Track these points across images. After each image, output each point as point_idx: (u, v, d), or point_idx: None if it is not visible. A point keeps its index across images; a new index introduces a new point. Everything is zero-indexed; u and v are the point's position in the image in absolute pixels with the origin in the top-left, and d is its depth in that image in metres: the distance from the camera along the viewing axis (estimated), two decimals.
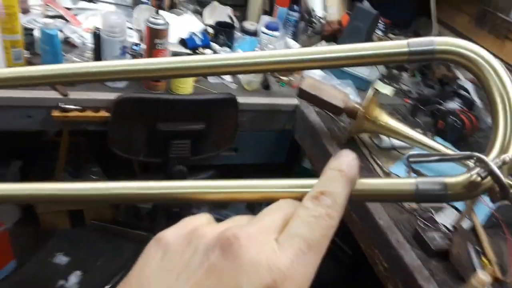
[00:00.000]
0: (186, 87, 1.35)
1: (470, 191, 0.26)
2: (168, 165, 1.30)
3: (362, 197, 0.27)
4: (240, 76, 1.50)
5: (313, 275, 0.23)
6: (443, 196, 0.26)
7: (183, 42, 1.56)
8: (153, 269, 0.24)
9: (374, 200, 0.27)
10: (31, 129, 1.30)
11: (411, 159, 0.28)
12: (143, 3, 1.75)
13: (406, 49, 0.28)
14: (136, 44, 1.51)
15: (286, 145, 1.60)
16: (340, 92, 1.27)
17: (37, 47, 1.41)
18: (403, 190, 0.27)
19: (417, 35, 2.03)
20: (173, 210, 2.02)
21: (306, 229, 0.23)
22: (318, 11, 1.89)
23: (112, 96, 1.26)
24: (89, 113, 1.27)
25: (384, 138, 1.28)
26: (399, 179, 0.27)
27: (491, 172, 0.25)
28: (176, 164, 1.30)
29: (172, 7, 1.84)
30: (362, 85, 1.63)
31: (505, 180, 0.25)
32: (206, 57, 0.31)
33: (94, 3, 1.77)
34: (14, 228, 1.85)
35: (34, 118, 1.28)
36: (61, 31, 1.53)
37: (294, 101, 1.46)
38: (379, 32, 1.91)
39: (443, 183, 0.26)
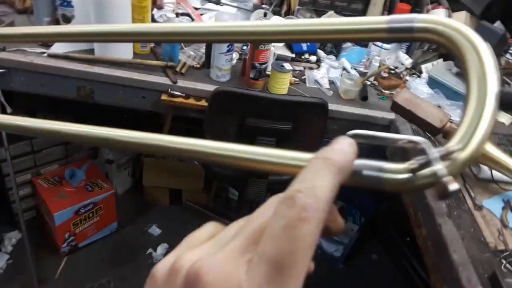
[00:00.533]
0: (281, 88, 1.39)
1: (410, 182, 0.23)
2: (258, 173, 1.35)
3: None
4: (338, 84, 1.48)
5: None
6: (379, 181, 0.24)
7: (289, 46, 1.61)
8: None
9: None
10: (144, 108, 1.47)
11: (353, 138, 0.26)
12: (263, 8, 1.84)
13: (385, 26, 0.26)
14: (246, 45, 1.61)
15: (375, 160, 1.53)
16: (439, 111, 1.18)
17: None
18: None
19: None
20: (257, 206, 2.09)
21: (273, 247, 0.20)
22: None
23: (214, 88, 1.36)
24: (191, 101, 1.40)
25: (484, 168, 1.15)
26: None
27: (429, 161, 0.23)
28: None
29: (288, 14, 1.91)
30: None
31: (442, 171, 0.22)
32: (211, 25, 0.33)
33: (220, 5, 1.92)
34: (123, 195, 2.11)
35: (147, 99, 1.45)
36: None
37: (391, 115, 1.40)
38: (509, 56, 1.71)
39: (381, 168, 0.24)
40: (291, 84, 1.46)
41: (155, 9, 1.71)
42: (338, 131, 1.41)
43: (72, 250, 1.92)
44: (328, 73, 1.54)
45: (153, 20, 1.59)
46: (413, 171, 0.23)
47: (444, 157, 0.23)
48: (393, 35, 0.26)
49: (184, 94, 1.40)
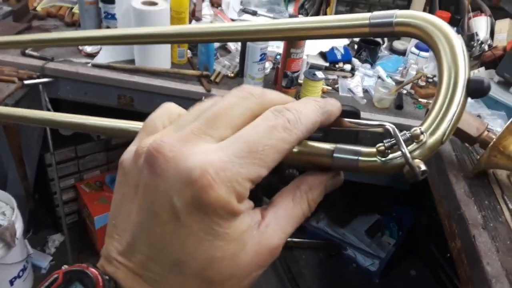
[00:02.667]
0: (313, 96, 1.39)
1: (382, 164, 0.25)
2: (281, 167, 1.36)
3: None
4: (373, 92, 1.47)
5: (248, 183, 0.21)
6: (355, 164, 0.25)
7: (323, 55, 1.61)
8: (117, 192, 0.25)
9: (292, 160, 0.27)
10: None
11: (332, 126, 0.28)
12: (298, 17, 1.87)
13: (367, 21, 0.28)
14: (280, 54, 1.63)
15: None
16: (476, 120, 1.14)
17: (198, 49, 1.64)
18: (321, 154, 0.26)
19: None
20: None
21: (253, 134, 0.22)
22: (482, 35, 1.71)
23: None
24: None
25: None
26: (319, 143, 0.27)
27: (395, 144, 0.24)
28: (290, 167, 1.35)
29: None
30: None
31: (408, 152, 0.23)
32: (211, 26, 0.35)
33: (256, 16, 1.96)
34: None
35: (182, 107, 1.49)
36: None
37: None
38: None
39: (357, 151, 0.26)
40: (323, 92, 1.46)
41: (193, 21, 1.77)
42: (370, 140, 1.39)
43: None
44: (362, 82, 1.53)
45: None
46: (382, 153, 0.25)
47: (409, 140, 0.24)
48: (374, 30, 0.28)
49: None
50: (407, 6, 1.80)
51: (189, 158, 0.21)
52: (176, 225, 0.21)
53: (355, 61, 1.63)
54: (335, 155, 0.26)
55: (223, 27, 0.34)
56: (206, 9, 1.87)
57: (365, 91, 1.51)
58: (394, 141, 0.24)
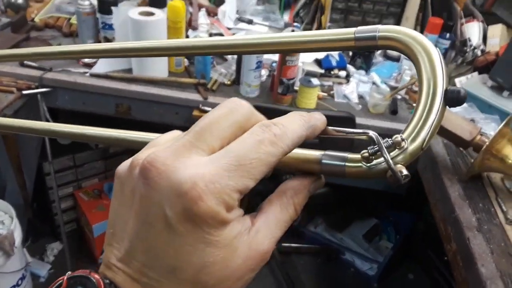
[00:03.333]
0: (309, 102, 1.41)
1: (367, 169, 0.26)
2: (277, 174, 1.37)
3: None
4: (368, 98, 1.49)
5: (236, 194, 0.23)
6: (342, 170, 0.27)
7: (318, 62, 1.63)
8: (114, 202, 0.27)
9: (282, 167, 0.29)
10: (177, 124, 1.54)
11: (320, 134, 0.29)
12: (293, 26, 1.89)
13: (352, 35, 0.29)
14: (275, 62, 1.65)
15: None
16: (469, 124, 1.16)
17: (195, 58, 1.66)
18: (310, 161, 0.28)
19: None
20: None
21: (241, 148, 0.23)
22: (475, 41, 1.74)
23: None
24: None
25: None
26: (307, 150, 0.28)
27: (378, 150, 0.25)
28: (288, 173, 1.37)
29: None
30: None
31: (389, 158, 0.25)
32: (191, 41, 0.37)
33: (252, 24, 1.99)
34: None
35: (180, 115, 1.51)
36: None
37: None
38: None
39: (344, 157, 0.27)
40: (319, 98, 1.48)
41: (190, 30, 1.79)
42: (366, 144, 1.40)
43: None
44: (357, 88, 1.55)
45: None
46: (366, 159, 0.27)
47: (391, 146, 0.26)
48: (359, 43, 0.30)
49: None
50: (400, 14, 1.83)
51: (180, 171, 0.22)
52: (170, 234, 0.23)
53: (350, 67, 1.65)
54: (323, 161, 0.27)
55: (215, 41, 0.36)
56: (203, 18, 1.89)
57: (360, 97, 1.53)
58: (378, 147, 0.26)
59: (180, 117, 1.51)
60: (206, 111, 1.44)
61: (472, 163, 1.11)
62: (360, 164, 0.27)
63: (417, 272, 2.04)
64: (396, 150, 0.26)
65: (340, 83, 1.58)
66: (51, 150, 1.62)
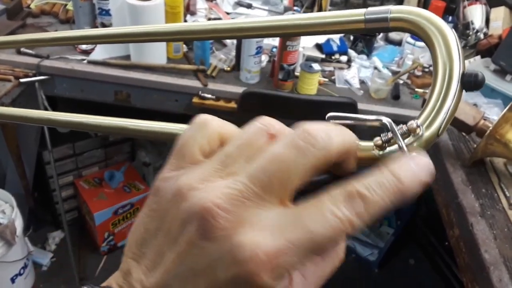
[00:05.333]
0: (310, 88, 1.40)
1: (380, 157, 0.25)
2: None
3: None
4: (369, 83, 1.47)
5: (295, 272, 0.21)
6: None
7: (319, 47, 1.61)
8: (149, 220, 0.24)
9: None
10: (177, 111, 1.52)
11: (330, 120, 0.28)
12: (293, 10, 1.86)
13: (362, 17, 0.28)
14: (276, 47, 1.63)
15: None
16: (472, 108, 1.15)
17: (194, 43, 1.64)
18: None
19: None
20: None
21: (318, 224, 0.20)
22: (477, 24, 1.71)
23: (242, 90, 1.39)
24: (222, 103, 1.43)
25: None
26: None
27: (392, 137, 0.24)
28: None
29: None
30: None
31: (405, 146, 0.24)
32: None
33: (251, 9, 1.95)
34: None
35: (179, 102, 1.49)
36: None
37: None
38: None
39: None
40: (320, 84, 1.46)
41: (188, 15, 1.77)
42: (367, 131, 1.39)
43: (111, 249, 2.00)
44: (359, 73, 1.53)
45: None
46: (379, 147, 0.25)
47: (406, 133, 0.25)
48: (370, 25, 0.28)
49: (214, 97, 1.43)
50: None
51: (242, 233, 0.20)
52: None
53: (351, 52, 1.63)
54: None
55: (217, 24, 0.34)
56: (201, 3, 1.86)
57: (362, 82, 1.51)
58: (391, 135, 0.25)
59: (180, 104, 1.50)
60: (206, 98, 1.43)
61: (475, 148, 1.10)
62: (372, 152, 0.26)
63: (418, 257, 2.05)
64: (411, 137, 0.25)
65: (341, 68, 1.56)
66: (50, 139, 1.61)
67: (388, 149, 0.25)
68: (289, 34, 0.32)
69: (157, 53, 1.51)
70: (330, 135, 0.21)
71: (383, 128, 0.25)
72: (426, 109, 0.26)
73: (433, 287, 1.94)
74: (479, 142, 1.09)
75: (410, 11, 0.27)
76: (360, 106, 1.33)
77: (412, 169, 0.21)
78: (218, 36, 0.35)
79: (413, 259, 2.05)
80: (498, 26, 1.71)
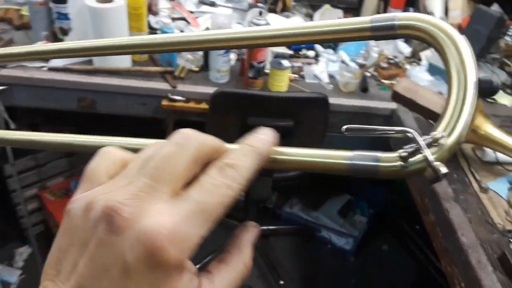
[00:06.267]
0: (281, 85, 1.40)
1: (402, 168, 0.25)
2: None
3: (295, 166, 0.28)
4: (338, 77, 1.49)
5: (200, 240, 0.23)
6: (375, 170, 0.26)
7: None
8: (62, 240, 0.25)
9: (306, 169, 0.28)
10: (145, 115, 1.48)
11: (347, 132, 0.28)
12: (258, 7, 1.85)
13: (368, 25, 0.28)
14: None
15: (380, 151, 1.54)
16: (439, 97, 1.19)
17: None
18: (337, 163, 0.27)
19: None
20: (266, 206, 2.10)
21: (202, 194, 0.24)
22: (437, 14, 1.77)
23: (213, 90, 1.37)
24: (192, 104, 1.41)
25: (489, 151, 1.15)
26: (334, 151, 0.27)
27: (418, 149, 0.24)
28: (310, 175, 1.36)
29: (284, 10, 1.91)
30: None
31: (431, 157, 0.24)
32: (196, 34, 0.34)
33: (214, 7, 1.93)
34: None
35: (148, 106, 1.46)
36: (182, 31, 1.72)
37: (392, 105, 1.40)
38: (508, 39, 1.70)
39: (376, 157, 0.26)
40: (290, 80, 1.47)
41: (150, 16, 1.72)
42: (340, 124, 1.41)
43: None
44: (327, 67, 1.55)
45: (150, 26, 1.60)
46: (403, 159, 0.25)
47: (431, 144, 0.25)
48: (376, 33, 0.28)
49: (184, 98, 1.40)
50: None
51: (143, 219, 0.22)
52: (125, 281, 0.22)
53: (318, 47, 1.64)
54: (353, 162, 0.26)
55: (216, 34, 0.33)
56: (163, 3, 1.82)
57: (331, 76, 1.52)
58: (416, 146, 0.24)
59: (148, 108, 1.46)
60: (175, 100, 1.40)
61: None
62: (395, 164, 0.26)
63: (391, 243, 2.11)
64: (434, 147, 0.25)
65: (309, 64, 1.57)
66: (12, 151, 1.53)
67: (410, 160, 0.25)
68: (293, 43, 0.32)
69: (121, 57, 1.46)
70: (203, 135, 0.26)
71: (405, 141, 0.25)
72: (443, 118, 0.26)
73: (407, 271, 2.01)
74: None
75: (418, 18, 0.27)
76: (331, 100, 1.34)
77: (259, 137, 0.27)
78: (214, 47, 0.33)
79: (386, 245, 2.11)
80: (457, 15, 1.77)
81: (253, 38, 0.31)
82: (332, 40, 0.30)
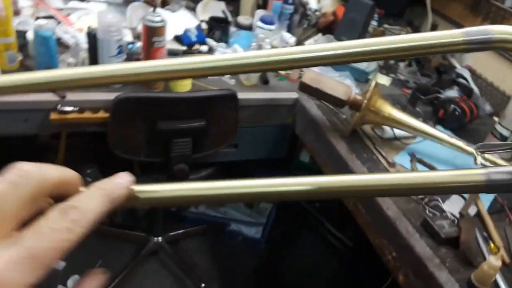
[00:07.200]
0: (184, 84, 1.33)
1: None
2: (169, 164, 1.29)
3: (434, 190, 0.27)
4: None
5: (31, 285, 0.22)
6: None
7: (178, 39, 1.54)
8: None
9: (443, 192, 0.27)
10: (28, 133, 1.28)
11: (480, 150, 0.28)
12: (135, 0, 1.72)
13: (462, 39, 0.28)
14: (131, 43, 1.49)
15: (285, 140, 1.59)
16: (342, 85, 1.27)
17: (30, 49, 1.38)
18: (474, 181, 0.27)
19: (411, 24, 2.04)
20: (170, 210, 2.01)
21: (35, 239, 0.23)
22: (312, 3, 1.88)
23: (110, 96, 1.24)
24: (88, 114, 1.25)
25: (387, 128, 1.28)
26: (469, 170, 0.27)
27: None
28: (178, 162, 1.29)
29: (164, 4, 1.82)
30: (360, 76, 1.63)
31: None
32: (212, 58, 0.31)
33: (86, 1, 1.74)
34: None
35: (31, 121, 1.25)
36: (54, 32, 1.51)
37: (294, 95, 1.45)
38: (374, 23, 1.90)
39: None
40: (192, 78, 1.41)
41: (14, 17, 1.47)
42: (250, 118, 1.42)
43: None
44: None
45: (17, 30, 1.37)
46: None
47: None
48: (471, 47, 0.28)
49: (77, 108, 1.24)
50: None
51: None
52: None
53: (210, 41, 1.61)
54: (492, 177, 0.26)
55: (270, 54, 0.29)
56: (23, 1, 1.57)
57: None
58: None
59: (32, 124, 1.26)
60: (66, 112, 1.23)
61: (354, 119, 1.23)
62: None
63: (296, 222, 2.23)
64: None
65: None
66: None
67: None
68: (379, 58, 0.29)
69: None
70: (44, 169, 0.25)
71: None
72: None
73: (312, 244, 2.14)
74: (355, 114, 1.21)
75: None
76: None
77: (111, 180, 0.27)
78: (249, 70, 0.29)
79: (293, 227, 2.22)
80: (327, 4, 1.90)
81: (337, 56, 0.28)
82: (427, 53, 0.29)
